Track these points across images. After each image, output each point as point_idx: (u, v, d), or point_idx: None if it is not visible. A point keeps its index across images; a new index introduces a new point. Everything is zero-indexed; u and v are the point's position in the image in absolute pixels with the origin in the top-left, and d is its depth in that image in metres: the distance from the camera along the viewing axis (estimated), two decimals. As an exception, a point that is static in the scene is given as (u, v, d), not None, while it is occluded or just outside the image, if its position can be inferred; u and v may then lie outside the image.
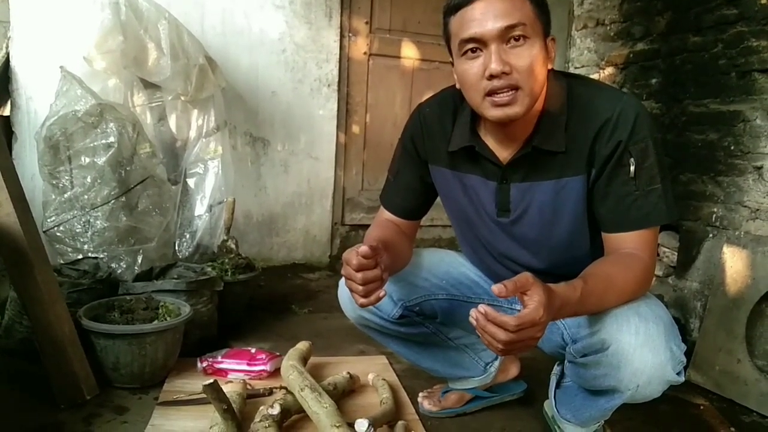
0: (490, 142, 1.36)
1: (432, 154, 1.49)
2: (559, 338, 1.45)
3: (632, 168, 1.24)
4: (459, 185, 1.46)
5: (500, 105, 1.21)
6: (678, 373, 1.24)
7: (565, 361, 1.44)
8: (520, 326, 1.02)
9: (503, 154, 1.35)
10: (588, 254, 1.37)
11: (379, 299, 1.23)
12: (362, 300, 1.23)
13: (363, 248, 1.19)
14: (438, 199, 1.59)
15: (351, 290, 1.24)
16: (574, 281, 1.15)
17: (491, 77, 1.19)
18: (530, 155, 1.31)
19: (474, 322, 1.05)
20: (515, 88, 1.19)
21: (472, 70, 1.22)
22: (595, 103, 1.27)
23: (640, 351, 1.19)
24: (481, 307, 1.04)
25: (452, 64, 1.31)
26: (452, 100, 1.43)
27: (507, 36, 1.18)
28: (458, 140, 1.39)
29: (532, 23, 1.19)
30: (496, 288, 1.03)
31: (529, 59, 1.19)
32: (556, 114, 1.28)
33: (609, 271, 1.23)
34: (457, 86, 1.32)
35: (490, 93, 1.21)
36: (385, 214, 1.59)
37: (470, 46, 1.21)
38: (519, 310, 1.07)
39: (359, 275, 1.20)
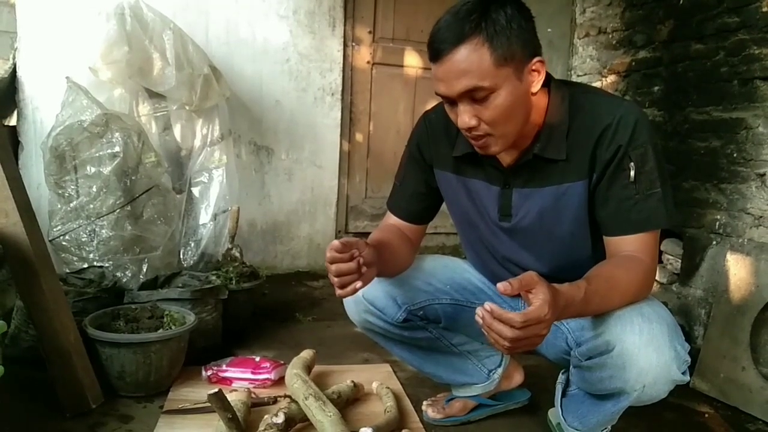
0: None
1: (437, 159, 1.52)
2: (563, 343, 1.45)
3: (632, 172, 1.26)
4: (463, 189, 1.49)
5: (477, 146, 1.29)
6: (683, 372, 1.25)
7: (570, 366, 1.44)
8: (526, 323, 1.02)
9: (506, 159, 1.38)
10: (590, 258, 1.38)
11: (355, 290, 1.26)
12: (339, 291, 1.26)
13: (335, 242, 1.22)
14: (443, 206, 1.61)
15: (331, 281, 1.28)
16: (578, 282, 1.17)
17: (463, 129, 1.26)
18: (532, 162, 1.33)
19: (480, 320, 1.06)
20: (487, 135, 1.25)
21: (451, 115, 1.30)
22: (596, 110, 1.29)
23: (645, 351, 1.20)
24: (487, 305, 1.05)
25: None
26: None
27: (469, 96, 1.21)
28: (463, 146, 1.41)
29: (494, 75, 1.18)
30: (501, 286, 1.03)
31: (495, 111, 1.21)
32: (557, 123, 1.31)
33: (612, 273, 1.24)
34: None
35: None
36: (391, 219, 1.61)
37: (444, 100, 1.28)
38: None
39: (333, 267, 1.23)
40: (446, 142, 1.48)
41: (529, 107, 1.27)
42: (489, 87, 1.18)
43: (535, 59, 1.23)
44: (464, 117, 1.23)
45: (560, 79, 1.39)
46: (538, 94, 1.27)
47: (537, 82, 1.25)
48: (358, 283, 1.25)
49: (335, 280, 1.25)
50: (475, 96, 1.20)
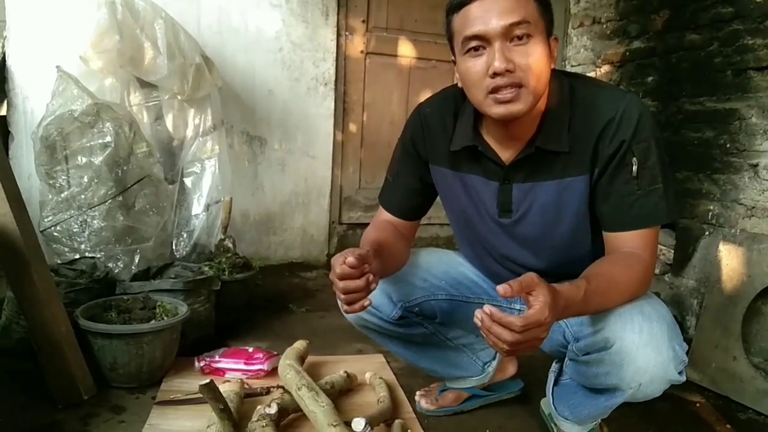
0: (492, 141, 1.36)
1: (433, 154, 1.49)
2: (561, 337, 1.45)
3: (635, 167, 1.24)
4: (460, 185, 1.46)
5: (503, 102, 1.20)
6: (680, 373, 1.25)
7: (566, 360, 1.44)
8: (526, 326, 1.01)
9: (505, 154, 1.35)
10: (589, 254, 1.37)
11: (363, 308, 1.23)
12: (345, 307, 1.24)
13: (349, 258, 1.18)
14: (437, 199, 1.60)
15: (337, 297, 1.24)
16: (578, 281, 1.16)
17: (495, 75, 1.18)
18: (533, 155, 1.30)
19: (479, 323, 1.05)
20: (519, 85, 1.19)
21: (475, 68, 1.21)
22: (599, 103, 1.27)
23: (644, 350, 1.20)
24: (486, 308, 1.04)
25: (454, 62, 1.31)
26: (453, 100, 1.43)
27: (511, 34, 1.17)
28: (460, 139, 1.38)
29: (536, 21, 1.18)
30: (501, 288, 1.02)
31: (532, 57, 1.18)
32: (559, 114, 1.28)
33: (611, 271, 1.23)
34: (459, 84, 1.31)
35: (494, 90, 1.20)
36: (383, 215, 1.59)
37: (474, 44, 1.20)
38: (519, 310, 1.07)
39: (341, 284, 1.20)
40: (442, 136, 1.44)
41: (548, 80, 1.25)
42: (533, 27, 1.17)
43: (553, 36, 1.24)
44: (501, 58, 1.16)
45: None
46: None
47: (552, 60, 1.24)
48: (366, 301, 1.22)
49: (342, 296, 1.21)
50: (516, 33, 1.16)
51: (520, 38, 1.17)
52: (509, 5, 1.16)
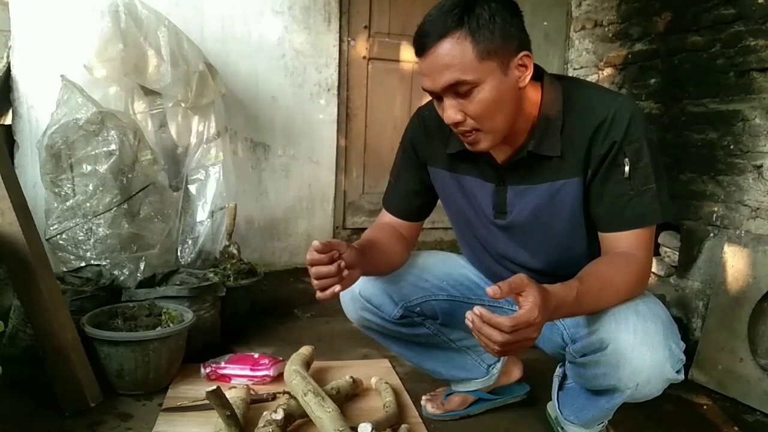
0: None
1: (431, 156, 1.51)
2: (560, 339, 1.45)
3: (627, 168, 1.25)
4: (457, 187, 1.48)
5: (466, 141, 1.28)
6: (677, 371, 1.24)
7: (566, 362, 1.45)
8: (515, 327, 1.02)
9: (501, 156, 1.37)
10: (585, 254, 1.38)
11: (334, 294, 1.24)
12: (318, 294, 1.24)
13: (315, 242, 1.21)
14: (439, 201, 1.61)
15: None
16: (570, 281, 1.16)
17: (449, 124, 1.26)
18: (526, 159, 1.32)
19: (470, 324, 1.06)
20: (474, 130, 1.24)
21: (438, 111, 1.28)
22: (591, 106, 1.28)
23: (639, 350, 1.20)
24: (477, 309, 1.05)
25: None
26: None
27: (453, 90, 1.20)
28: (457, 143, 1.40)
29: (477, 69, 1.17)
30: (491, 290, 1.03)
31: (480, 105, 1.20)
32: (552, 119, 1.30)
33: (605, 271, 1.24)
34: None
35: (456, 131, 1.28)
36: (386, 217, 1.60)
37: (431, 95, 1.27)
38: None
39: (312, 270, 1.22)
40: (440, 139, 1.46)
41: (518, 102, 1.26)
42: (472, 81, 1.18)
43: (522, 53, 1.21)
44: (449, 112, 1.22)
45: (553, 73, 1.38)
46: (530, 89, 1.27)
47: (524, 77, 1.23)
48: (337, 287, 1.24)
49: (315, 282, 1.24)
50: (458, 90, 1.19)
51: (462, 93, 1.20)
52: (445, 64, 1.18)
